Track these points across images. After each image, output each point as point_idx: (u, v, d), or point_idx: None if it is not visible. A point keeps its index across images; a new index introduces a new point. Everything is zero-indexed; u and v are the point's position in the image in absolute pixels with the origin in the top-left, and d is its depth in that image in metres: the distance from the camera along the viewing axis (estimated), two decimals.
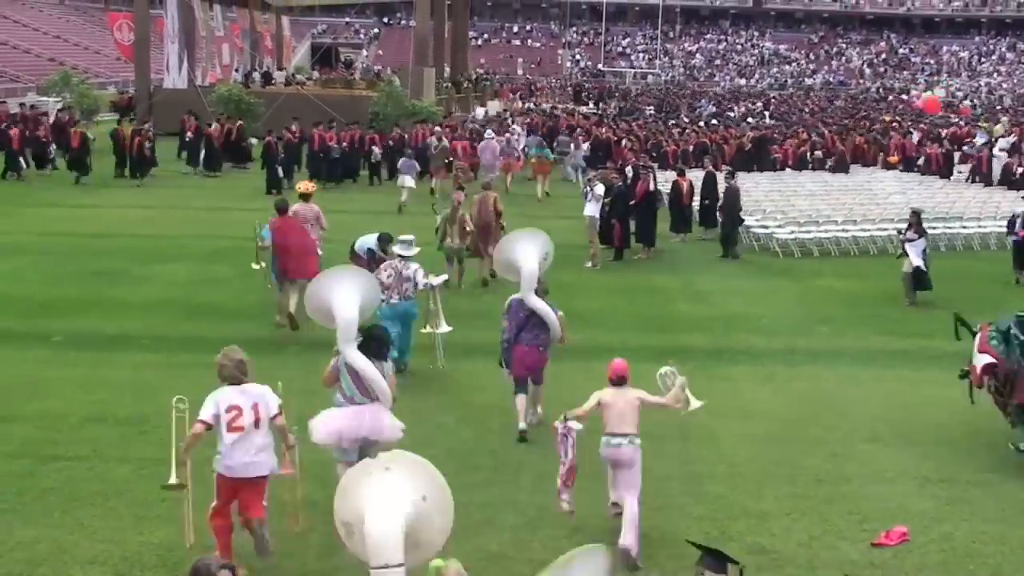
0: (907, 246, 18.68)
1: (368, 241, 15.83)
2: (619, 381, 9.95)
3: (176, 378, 13.53)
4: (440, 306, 14.41)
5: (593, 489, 10.40)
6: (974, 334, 12.09)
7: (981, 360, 11.55)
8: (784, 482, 10.75)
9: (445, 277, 15.49)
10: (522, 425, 11.91)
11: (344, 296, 9.99)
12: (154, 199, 28.83)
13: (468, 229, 18.41)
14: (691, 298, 18.90)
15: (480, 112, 50.60)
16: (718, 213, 23.66)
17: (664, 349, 15.37)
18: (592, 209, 21.56)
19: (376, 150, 33.30)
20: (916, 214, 19.36)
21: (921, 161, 34.71)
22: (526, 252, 12.33)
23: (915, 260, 18.61)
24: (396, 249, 14.04)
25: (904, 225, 19.48)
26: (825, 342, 16.22)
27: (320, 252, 16.29)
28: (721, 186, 23.91)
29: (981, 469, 11.26)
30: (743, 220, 23.51)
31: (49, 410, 12.20)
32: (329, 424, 9.72)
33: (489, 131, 34.84)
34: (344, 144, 32.84)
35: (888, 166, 35.10)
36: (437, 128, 34.48)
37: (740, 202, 23.27)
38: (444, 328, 14.27)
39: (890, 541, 9.46)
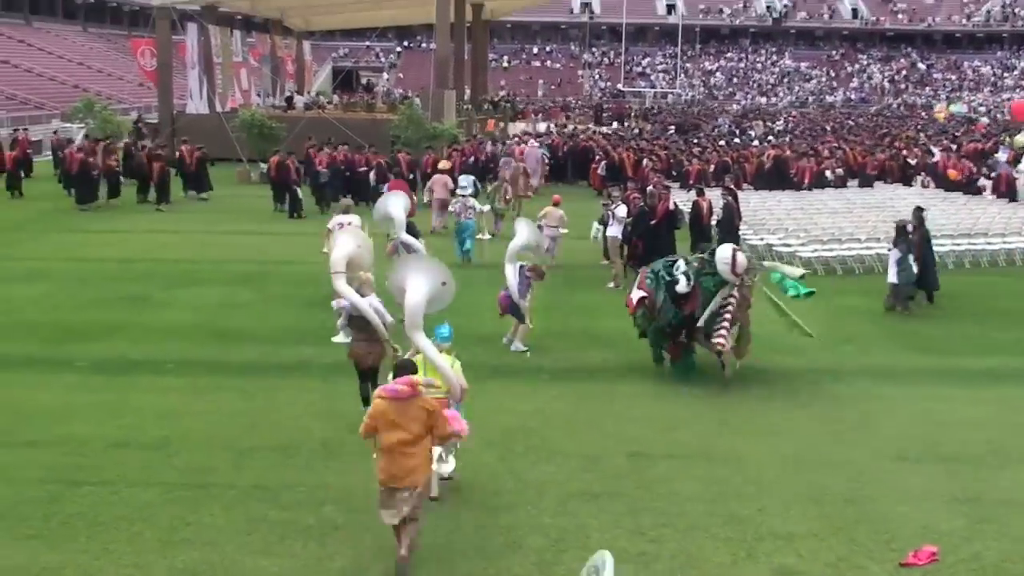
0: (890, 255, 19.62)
1: (465, 184, 24.95)
2: (556, 204, 23.12)
3: (201, 402, 13.61)
4: (484, 223, 24.93)
5: (614, 510, 10.37)
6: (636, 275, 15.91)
7: (636, 294, 15.16)
8: (811, 502, 10.67)
9: (488, 207, 25.70)
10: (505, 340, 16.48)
11: (395, 205, 18.54)
12: (177, 224, 28.99)
13: (507, 198, 27.84)
14: None
15: (532, 126, 60.70)
16: (715, 229, 23.69)
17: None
18: (615, 230, 21.57)
19: (322, 170, 32.09)
20: (898, 226, 19.63)
21: (987, 181, 33.39)
22: (520, 232, 17.13)
23: (889, 275, 19.36)
24: (459, 192, 24.34)
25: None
26: (850, 360, 16.11)
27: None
28: (719, 202, 24.10)
29: (1010, 488, 11.14)
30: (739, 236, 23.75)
31: (74, 435, 12.24)
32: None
33: (533, 141, 41.49)
34: (341, 165, 32.48)
35: (948, 184, 34.29)
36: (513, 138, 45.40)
37: (737, 219, 23.62)
38: (487, 236, 24.59)
39: (919, 561, 9.36)
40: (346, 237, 14.04)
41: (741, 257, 14.42)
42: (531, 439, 12.35)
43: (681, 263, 14.95)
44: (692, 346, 15.19)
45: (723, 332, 14.21)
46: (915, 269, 19.42)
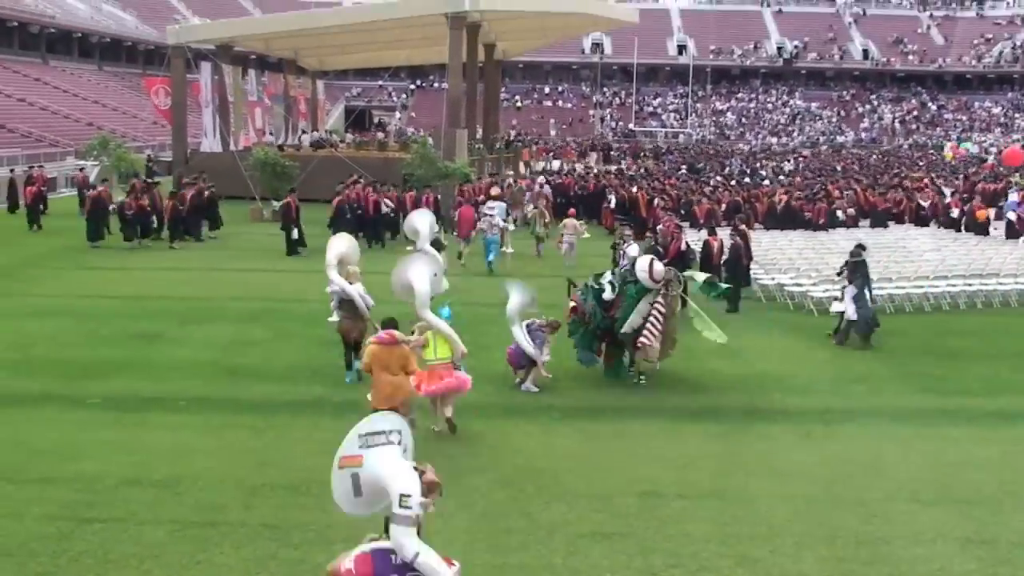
0: (845, 292, 19.79)
1: (500, 209, 29.36)
2: (571, 216, 30.00)
3: (212, 439, 13.61)
4: (508, 237, 30.09)
5: (626, 550, 10.32)
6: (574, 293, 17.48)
7: (569, 305, 17.18)
8: (823, 544, 10.61)
9: (512, 226, 30.99)
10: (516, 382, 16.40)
11: (422, 221, 19.88)
12: (189, 261, 29.10)
13: (546, 221, 31.43)
14: (724, 356, 18.76)
15: (547, 164, 64.17)
16: (722, 268, 23.70)
17: (698, 408, 15.37)
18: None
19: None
20: (853, 262, 19.97)
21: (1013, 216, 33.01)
22: (512, 296, 16.24)
23: (846, 308, 19.61)
24: (485, 210, 29.05)
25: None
26: (862, 401, 16.06)
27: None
28: (727, 242, 24.20)
29: (1023, 530, 11.09)
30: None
31: (85, 472, 12.25)
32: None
33: (540, 178, 44.18)
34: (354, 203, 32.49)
35: (976, 224, 33.59)
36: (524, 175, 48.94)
37: (745, 259, 23.83)
38: (510, 249, 30.01)
39: None
40: (339, 240, 17.30)
41: (658, 266, 16.21)
42: (542, 478, 12.31)
43: (607, 274, 17.24)
44: (623, 353, 16.94)
45: (648, 334, 15.95)
46: (871, 303, 19.84)
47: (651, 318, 15.97)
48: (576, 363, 17.49)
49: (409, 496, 7.19)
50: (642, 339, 15.97)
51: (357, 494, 7.68)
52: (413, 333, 13.88)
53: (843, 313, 19.80)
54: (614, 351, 17.00)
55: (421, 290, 13.56)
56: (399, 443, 7.64)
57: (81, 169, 43.24)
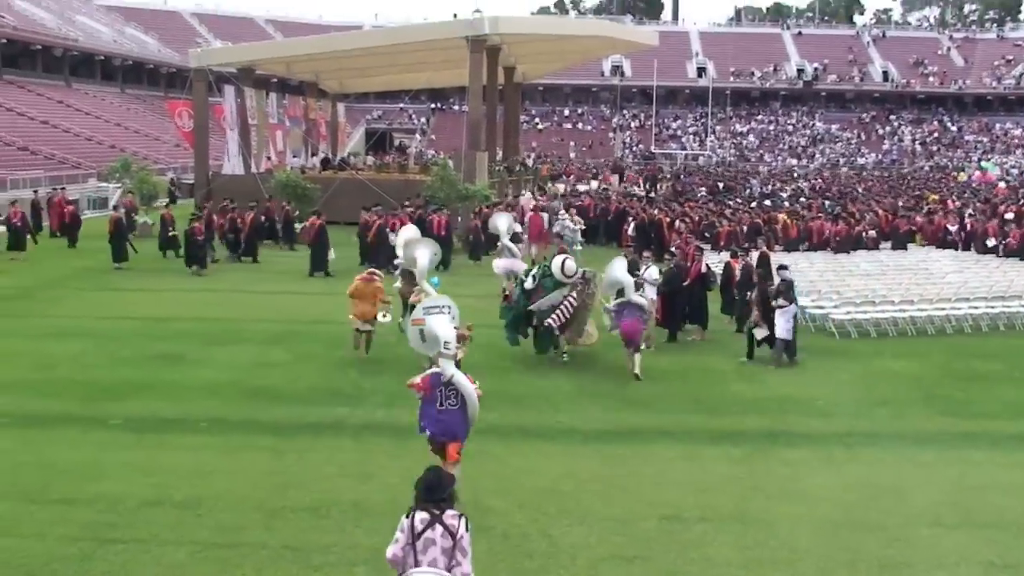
0: (777, 313, 19.68)
1: (564, 221, 34.58)
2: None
3: (233, 461, 13.64)
4: (576, 235, 33.81)
5: (647, 574, 10.28)
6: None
7: (503, 293, 20.44)
8: (845, 568, 10.54)
9: (581, 226, 35.02)
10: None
11: (501, 220, 26.19)
12: (211, 283, 29.23)
13: (582, 228, 35.11)
14: (746, 379, 18.74)
15: (568, 186, 63.65)
16: (735, 290, 23.57)
17: (719, 431, 15.30)
18: (648, 291, 21.56)
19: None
20: (788, 280, 20.13)
21: None
22: (620, 269, 19.19)
23: (781, 328, 19.67)
24: (560, 218, 34.93)
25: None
26: (884, 424, 15.97)
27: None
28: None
29: None
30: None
31: (107, 493, 12.29)
32: (499, 265, 22.90)
33: (527, 195, 46.40)
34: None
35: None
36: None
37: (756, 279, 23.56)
38: (579, 247, 32.46)
39: None
40: (406, 230, 22.58)
41: (570, 263, 19.28)
42: (564, 501, 12.29)
43: (535, 269, 20.28)
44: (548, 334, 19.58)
45: (555, 317, 18.78)
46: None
47: (561, 307, 18.81)
48: (597, 386, 17.50)
49: (449, 343, 11.57)
50: (548, 321, 18.89)
51: (423, 341, 12.23)
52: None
53: (762, 337, 19.90)
54: (540, 332, 19.71)
55: (422, 265, 18.12)
56: (448, 312, 12.25)
57: (130, 192, 43.56)
